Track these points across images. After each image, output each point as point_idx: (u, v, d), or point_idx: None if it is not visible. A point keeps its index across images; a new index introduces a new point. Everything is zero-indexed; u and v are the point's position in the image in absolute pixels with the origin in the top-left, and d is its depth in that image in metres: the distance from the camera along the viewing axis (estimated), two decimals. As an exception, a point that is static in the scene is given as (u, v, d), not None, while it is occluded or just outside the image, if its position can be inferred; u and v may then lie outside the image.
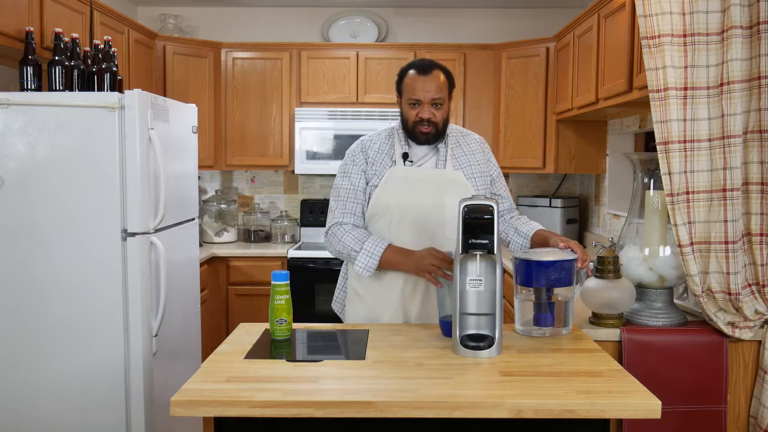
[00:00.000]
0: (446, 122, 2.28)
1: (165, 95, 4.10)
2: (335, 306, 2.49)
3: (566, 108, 3.80)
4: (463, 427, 1.63)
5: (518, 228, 2.30)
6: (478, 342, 1.83)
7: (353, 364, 1.77)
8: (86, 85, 2.72)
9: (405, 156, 2.29)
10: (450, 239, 2.24)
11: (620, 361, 2.11)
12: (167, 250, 2.70)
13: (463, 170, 2.30)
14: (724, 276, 2.08)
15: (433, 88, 2.19)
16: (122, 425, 2.55)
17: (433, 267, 2.06)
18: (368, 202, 2.29)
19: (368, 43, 4.47)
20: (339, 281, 2.48)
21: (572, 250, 1.98)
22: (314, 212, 4.59)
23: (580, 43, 3.53)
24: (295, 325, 2.12)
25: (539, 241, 2.21)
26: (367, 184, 2.30)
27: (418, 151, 2.31)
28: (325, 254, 4.00)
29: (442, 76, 2.22)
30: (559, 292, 1.99)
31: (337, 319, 2.48)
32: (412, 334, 2.05)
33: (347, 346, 1.97)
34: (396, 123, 2.35)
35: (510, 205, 2.39)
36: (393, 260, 2.18)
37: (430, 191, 2.25)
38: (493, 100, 4.39)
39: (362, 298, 2.32)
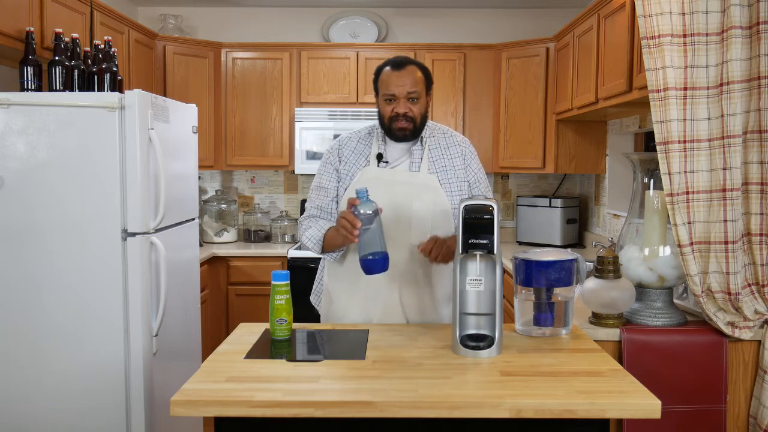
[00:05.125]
0: (424, 118, 2.26)
1: (165, 95, 4.10)
2: (313, 299, 2.49)
3: (566, 108, 3.80)
4: (463, 427, 1.63)
5: None
6: (478, 342, 1.83)
7: (353, 364, 1.77)
8: (86, 85, 2.72)
9: (379, 157, 2.28)
10: (415, 245, 2.19)
11: (620, 361, 2.11)
12: (167, 250, 2.70)
13: (438, 174, 2.27)
14: (724, 276, 2.08)
15: (408, 83, 2.19)
16: (122, 425, 2.55)
17: (343, 227, 1.99)
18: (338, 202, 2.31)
19: (368, 43, 4.47)
20: (317, 275, 2.48)
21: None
22: (314, 212, 4.59)
23: (580, 43, 3.53)
24: (295, 325, 2.12)
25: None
26: (339, 182, 2.31)
27: (393, 152, 2.30)
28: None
29: (418, 72, 2.22)
30: (559, 292, 1.99)
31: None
32: (412, 334, 2.05)
33: (347, 346, 1.97)
34: (376, 122, 2.33)
35: None
36: (330, 234, 2.21)
37: (400, 194, 2.23)
38: (493, 100, 4.39)
39: (331, 296, 2.34)
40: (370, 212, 1.97)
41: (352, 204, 1.99)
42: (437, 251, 2.09)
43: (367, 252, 1.99)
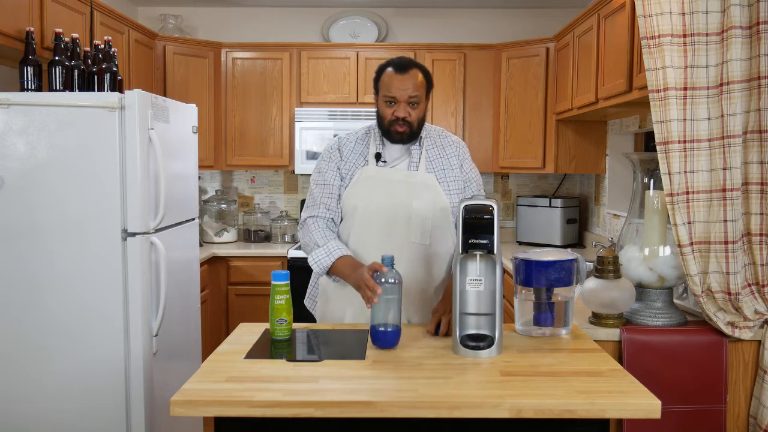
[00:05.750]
0: (422, 122, 2.26)
1: (165, 95, 4.10)
2: (307, 302, 2.48)
3: (566, 108, 3.80)
4: (463, 427, 1.63)
5: None
6: (478, 342, 1.83)
7: (353, 364, 1.77)
8: (86, 85, 2.72)
9: (378, 156, 2.28)
10: (414, 243, 2.22)
11: (620, 361, 2.11)
12: (167, 250, 2.70)
13: (436, 173, 2.27)
14: (724, 276, 2.08)
15: (410, 87, 2.18)
16: (122, 425, 2.55)
17: (365, 295, 1.97)
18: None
19: (368, 43, 4.47)
20: (312, 278, 2.46)
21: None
22: (314, 212, 4.58)
23: (580, 43, 3.53)
24: (295, 325, 2.12)
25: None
26: (341, 180, 2.30)
27: (392, 151, 2.30)
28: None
29: (420, 76, 2.21)
30: (559, 292, 1.99)
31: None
32: (412, 334, 2.05)
33: (347, 346, 1.97)
34: (374, 122, 2.33)
35: None
36: (342, 269, 2.14)
37: (399, 193, 2.24)
38: (493, 100, 4.39)
39: (329, 296, 2.33)
40: (393, 281, 1.88)
41: (375, 269, 1.93)
42: (446, 323, 2.04)
43: (380, 322, 1.89)
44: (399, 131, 2.21)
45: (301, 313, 2.43)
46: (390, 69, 2.22)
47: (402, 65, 2.21)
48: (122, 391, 2.55)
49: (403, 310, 2.24)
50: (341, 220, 2.32)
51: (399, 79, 2.18)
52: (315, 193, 2.32)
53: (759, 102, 2.01)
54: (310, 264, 2.22)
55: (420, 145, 2.29)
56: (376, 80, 2.27)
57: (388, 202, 2.23)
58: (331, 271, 2.19)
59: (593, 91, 3.26)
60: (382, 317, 1.88)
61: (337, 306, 2.31)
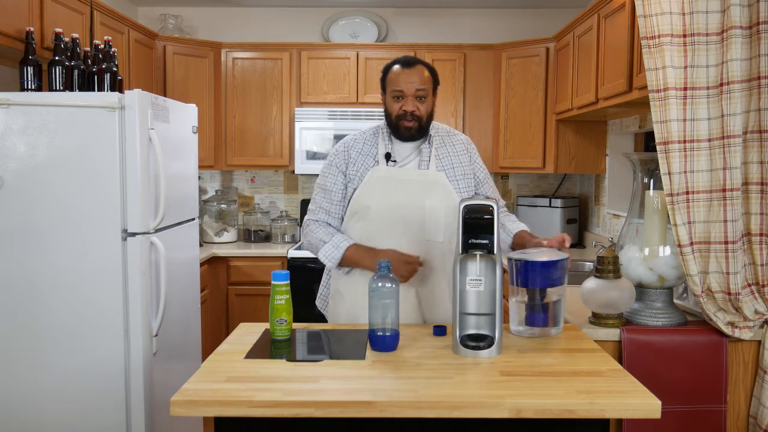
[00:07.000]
0: (430, 117, 2.27)
1: (165, 95, 4.10)
2: (319, 303, 2.49)
3: (566, 108, 3.80)
4: (463, 427, 1.63)
5: (504, 224, 2.33)
6: (477, 342, 1.83)
7: (353, 364, 1.77)
8: (86, 85, 2.72)
9: (388, 156, 2.29)
10: (429, 241, 2.25)
11: (620, 361, 2.11)
12: (167, 250, 2.70)
13: (446, 172, 2.29)
14: (724, 276, 2.08)
15: (417, 81, 2.20)
16: (122, 425, 2.55)
17: (407, 274, 2.16)
18: (349, 202, 2.31)
19: (368, 43, 4.47)
20: (323, 279, 2.48)
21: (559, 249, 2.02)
22: (314, 212, 4.58)
23: (580, 43, 3.53)
24: (295, 325, 2.12)
25: (519, 242, 2.25)
26: (346, 185, 2.31)
27: (401, 151, 2.31)
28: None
29: (426, 71, 2.24)
30: (551, 292, 1.99)
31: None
32: (412, 334, 2.05)
33: (347, 346, 1.97)
34: (382, 122, 2.35)
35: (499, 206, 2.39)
36: (354, 256, 2.23)
37: (412, 192, 2.25)
38: (493, 100, 4.39)
39: (343, 296, 2.33)
40: (390, 285, 1.86)
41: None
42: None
43: (377, 327, 1.88)
44: (408, 126, 2.23)
45: (304, 314, 2.44)
46: (396, 66, 2.25)
47: (408, 62, 2.24)
48: (122, 391, 2.55)
49: (418, 310, 2.25)
50: (341, 220, 2.34)
51: (406, 74, 2.21)
52: (317, 198, 2.36)
53: (759, 102, 2.01)
54: (321, 260, 2.27)
55: (429, 143, 2.30)
56: (383, 79, 2.29)
57: (401, 201, 2.24)
58: (343, 263, 2.24)
59: (593, 91, 3.26)
60: (380, 321, 1.87)
61: (352, 307, 2.29)
